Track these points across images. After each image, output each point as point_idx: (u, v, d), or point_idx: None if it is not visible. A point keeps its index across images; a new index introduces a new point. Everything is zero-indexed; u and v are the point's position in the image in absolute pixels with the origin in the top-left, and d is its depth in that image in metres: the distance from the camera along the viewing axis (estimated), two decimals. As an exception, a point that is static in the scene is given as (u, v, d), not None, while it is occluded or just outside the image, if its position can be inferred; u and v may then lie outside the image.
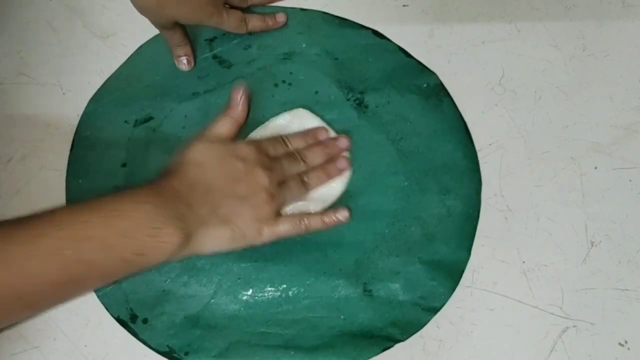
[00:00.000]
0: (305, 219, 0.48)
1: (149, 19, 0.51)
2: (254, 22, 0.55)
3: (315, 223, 0.48)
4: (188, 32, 0.55)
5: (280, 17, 0.56)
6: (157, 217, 0.40)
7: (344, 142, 0.51)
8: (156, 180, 0.44)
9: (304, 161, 0.50)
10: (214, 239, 0.44)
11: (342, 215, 0.49)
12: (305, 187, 0.49)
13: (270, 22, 0.56)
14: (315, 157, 0.50)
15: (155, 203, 0.41)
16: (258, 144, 0.48)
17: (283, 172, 0.48)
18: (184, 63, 0.55)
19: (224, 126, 0.48)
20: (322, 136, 0.52)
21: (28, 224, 0.37)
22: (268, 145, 0.49)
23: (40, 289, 0.37)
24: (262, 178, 0.46)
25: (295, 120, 0.52)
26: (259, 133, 0.52)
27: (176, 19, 0.51)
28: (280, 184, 0.47)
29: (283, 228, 0.47)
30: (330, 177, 0.50)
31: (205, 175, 0.44)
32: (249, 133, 0.52)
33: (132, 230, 0.39)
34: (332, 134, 0.52)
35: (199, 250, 0.43)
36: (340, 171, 0.51)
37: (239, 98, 0.49)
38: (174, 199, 0.42)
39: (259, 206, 0.45)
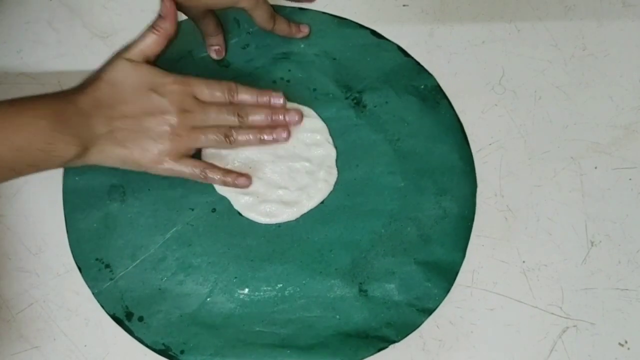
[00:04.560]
0: (207, 170, 0.48)
1: (183, 12, 0.50)
2: (281, 24, 0.54)
3: (213, 176, 0.48)
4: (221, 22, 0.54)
5: (304, 29, 0.55)
6: (52, 132, 0.42)
7: (293, 115, 0.50)
8: (67, 91, 0.45)
9: (240, 117, 0.48)
10: (107, 157, 0.45)
11: (241, 181, 0.49)
12: (228, 141, 0.48)
13: (294, 30, 0.55)
14: (256, 117, 0.49)
15: (52, 118, 0.42)
16: (189, 83, 0.47)
17: (204, 119, 0.47)
18: (214, 52, 0.55)
19: (151, 43, 0.46)
20: (276, 101, 0.50)
21: None
22: (204, 88, 0.48)
23: None
24: (172, 119, 0.46)
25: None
26: None
27: (208, 6, 0.50)
28: (194, 129, 0.47)
29: (183, 169, 0.47)
30: (261, 142, 0.50)
31: (115, 96, 0.45)
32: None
33: (26, 145, 0.41)
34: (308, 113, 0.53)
35: (94, 163, 0.45)
36: (275, 140, 0.50)
37: (168, 6, 0.46)
38: (73, 115, 0.43)
39: (162, 140, 0.46)
